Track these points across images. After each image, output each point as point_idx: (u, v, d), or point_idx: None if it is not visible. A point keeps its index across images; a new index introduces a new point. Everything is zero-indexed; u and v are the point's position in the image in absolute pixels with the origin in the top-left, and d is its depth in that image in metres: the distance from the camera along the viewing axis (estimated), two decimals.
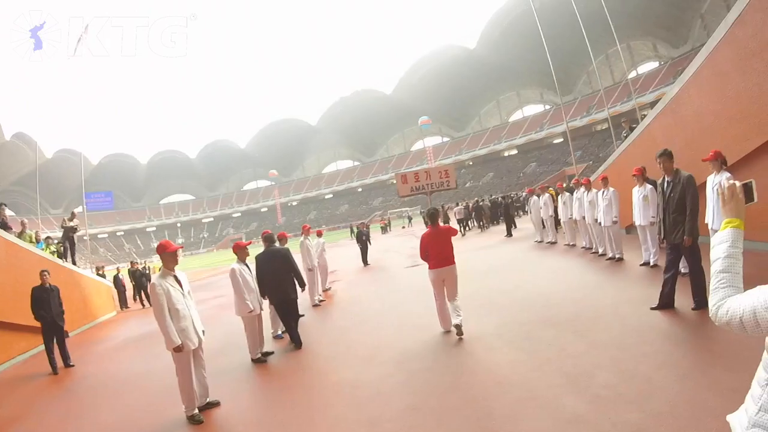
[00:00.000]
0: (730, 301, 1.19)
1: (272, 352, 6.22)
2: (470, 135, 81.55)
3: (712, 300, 1.25)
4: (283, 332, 7.11)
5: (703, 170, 6.27)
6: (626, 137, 10.80)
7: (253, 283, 6.02)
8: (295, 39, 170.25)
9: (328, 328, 7.33)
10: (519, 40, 62.18)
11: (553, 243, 12.05)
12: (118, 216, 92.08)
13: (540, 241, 12.80)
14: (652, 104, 46.36)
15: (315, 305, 9.10)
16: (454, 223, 22.48)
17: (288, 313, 6.41)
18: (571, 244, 11.11)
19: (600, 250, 9.22)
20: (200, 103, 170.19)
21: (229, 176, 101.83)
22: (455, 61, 70.88)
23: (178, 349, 4.27)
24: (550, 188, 13.58)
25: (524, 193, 32.78)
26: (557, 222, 13.01)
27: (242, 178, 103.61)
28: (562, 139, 66.79)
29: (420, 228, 32.47)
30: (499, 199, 22.58)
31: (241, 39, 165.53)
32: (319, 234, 10.99)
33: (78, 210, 17.74)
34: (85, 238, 29.20)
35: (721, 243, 1.30)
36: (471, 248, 14.52)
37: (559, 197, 11.30)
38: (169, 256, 4.44)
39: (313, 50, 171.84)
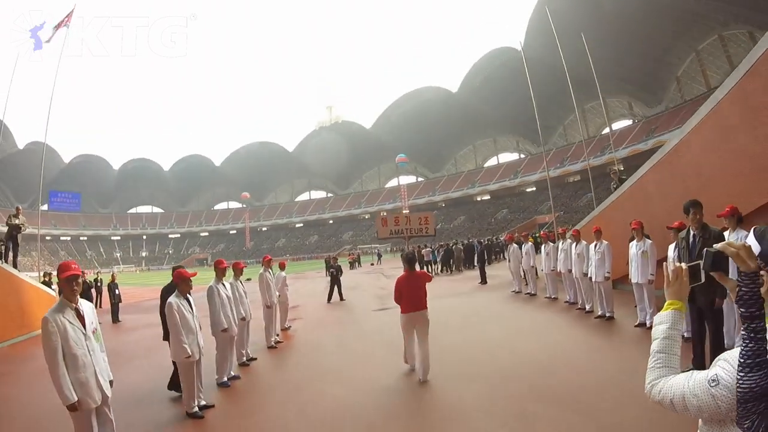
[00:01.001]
0: (664, 382, 1.24)
1: (212, 405, 5.12)
2: (445, 177, 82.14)
3: (648, 378, 1.30)
4: (230, 379, 6.02)
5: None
6: (615, 188, 10.29)
7: (194, 322, 4.99)
8: (279, 63, 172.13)
9: (280, 380, 6.18)
10: (499, 89, 63.80)
11: (533, 295, 11.27)
12: (84, 220, 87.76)
13: (518, 292, 12.00)
14: (625, 160, 47.84)
15: (271, 347, 7.93)
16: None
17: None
18: (552, 297, 10.35)
19: (587, 307, 8.48)
20: (180, 114, 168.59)
21: (201, 193, 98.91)
22: (436, 102, 71.82)
23: (72, 408, 3.27)
24: (531, 236, 12.94)
25: (502, 239, 32.43)
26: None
27: (214, 196, 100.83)
28: (534, 188, 67.95)
29: (389, 266, 31.50)
30: (476, 243, 21.90)
31: (229, 53, 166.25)
32: (282, 266, 9.90)
33: (24, 206, 16.06)
34: (47, 238, 27.17)
35: (662, 323, 1.33)
36: (444, 294, 13.55)
37: (542, 247, 10.62)
38: (66, 282, 3.37)
39: (296, 75, 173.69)
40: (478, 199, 75.56)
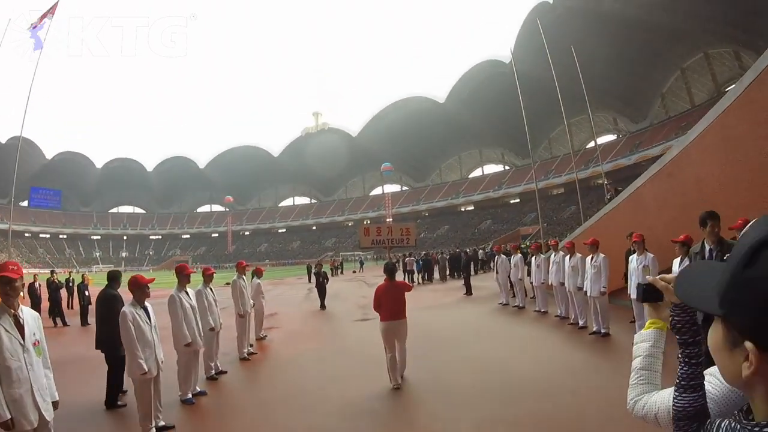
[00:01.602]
0: (647, 398, 1.26)
1: (172, 427, 4.56)
2: (429, 186, 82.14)
3: (631, 394, 1.31)
4: (195, 395, 5.45)
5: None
6: (609, 200, 9.96)
7: (152, 334, 4.47)
8: (269, 68, 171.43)
9: (250, 399, 5.59)
10: (486, 101, 64.10)
11: (521, 308, 10.83)
12: (65, 218, 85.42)
13: (505, 304, 11.54)
14: (609, 173, 48.22)
15: (243, 359, 7.30)
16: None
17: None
18: (542, 310, 9.91)
19: (581, 322, 8.06)
20: (166, 114, 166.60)
21: (184, 195, 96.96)
22: (423, 112, 71.79)
23: (6, 426, 2.82)
24: (519, 248, 12.52)
25: (487, 249, 32.08)
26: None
27: (197, 199, 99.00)
28: (518, 200, 68.32)
29: (371, 274, 30.90)
30: (461, 253, 21.49)
31: (219, 56, 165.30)
32: (258, 273, 9.29)
33: (3, 203, 15.22)
34: (26, 235, 26.20)
35: (644, 341, 1.35)
36: (427, 305, 13.02)
37: (533, 259, 10.19)
38: None
39: (285, 80, 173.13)
40: (462, 209, 75.72)
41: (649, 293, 1.29)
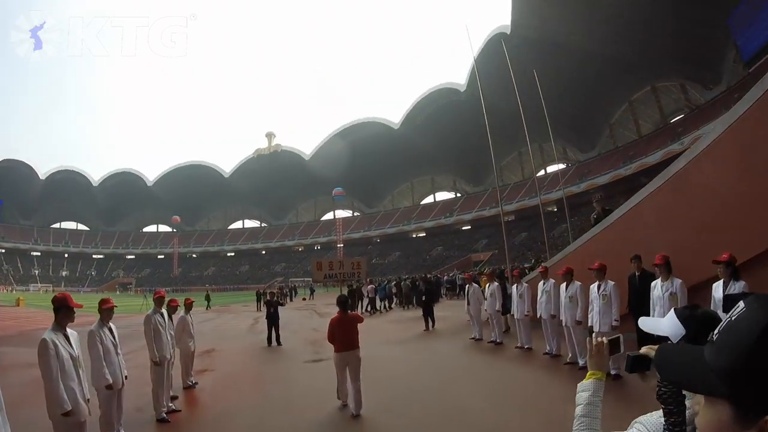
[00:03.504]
0: None
1: None
2: (381, 212, 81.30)
3: None
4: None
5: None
6: (596, 220, 8.95)
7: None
8: (224, 83, 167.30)
9: None
10: (439, 128, 64.62)
11: (498, 343, 9.52)
12: (3, 231, 77.84)
13: (478, 339, 10.19)
14: (557, 201, 49.07)
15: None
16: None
17: None
18: (525, 347, 8.63)
19: (581, 362, 6.73)
20: (115, 125, 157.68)
21: (130, 213, 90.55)
22: (378, 137, 71.27)
23: None
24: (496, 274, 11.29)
25: (451, 275, 30.84)
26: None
27: (143, 217, 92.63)
28: (469, 227, 68.55)
29: (322, 301, 28.95)
30: (420, 282, 20.29)
31: (174, 66, 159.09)
32: (188, 305, 7.48)
33: None
34: None
35: (585, 391, 1.46)
36: (389, 339, 11.47)
37: (514, 288, 8.92)
38: None
39: (238, 98, 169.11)
40: (414, 236, 75.23)
41: (639, 364, 1.32)
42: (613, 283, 6.23)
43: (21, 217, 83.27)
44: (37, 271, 76.95)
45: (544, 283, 7.87)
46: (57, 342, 3.55)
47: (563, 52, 45.25)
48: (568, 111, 51.45)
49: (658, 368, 0.91)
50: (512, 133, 37.78)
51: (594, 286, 6.38)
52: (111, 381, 4.38)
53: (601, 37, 43.13)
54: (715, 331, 0.81)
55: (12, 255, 77.63)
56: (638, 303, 6.34)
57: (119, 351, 4.64)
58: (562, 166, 52.78)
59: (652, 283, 5.76)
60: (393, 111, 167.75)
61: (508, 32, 45.31)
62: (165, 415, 5.52)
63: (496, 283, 9.91)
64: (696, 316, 1.29)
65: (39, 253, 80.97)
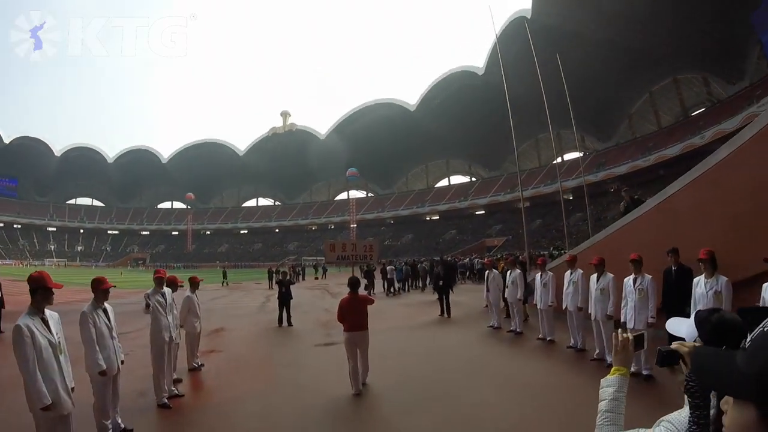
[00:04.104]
0: None
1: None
2: (395, 194, 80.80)
3: None
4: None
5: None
6: (625, 209, 8.41)
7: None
8: (242, 62, 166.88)
9: None
10: (456, 111, 63.50)
11: (518, 333, 9.11)
12: (20, 207, 79.36)
13: (497, 327, 9.80)
14: (573, 190, 48.10)
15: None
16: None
17: None
18: (548, 338, 8.21)
19: (609, 359, 6.31)
20: (131, 102, 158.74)
21: (145, 190, 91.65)
22: (393, 118, 70.38)
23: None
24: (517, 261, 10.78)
25: (468, 259, 30.31)
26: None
27: (158, 194, 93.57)
28: (483, 212, 67.84)
29: (335, 281, 28.79)
30: (438, 266, 19.98)
31: (194, 48, 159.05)
32: (194, 284, 7.16)
33: None
34: None
35: (609, 386, 1.48)
36: (402, 325, 11.07)
37: (537, 276, 8.47)
38: None
39: (256, 76, 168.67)
40: (427, 218, 74.82)
41: (669, 358, 1.32)
42: (650, 277, 5.75)
43: (37, 194, 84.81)
44: (52, 246, 78.63)
45: (571, 273, 7.38)
46: (33, 328, 3.17)
47: (583, 39, 44.01)
48: (587, 99, 50.10)
49: (693, 370, 0.97)
50: (530, 119, 36.87)
51: (629, 279, 5.90)
52: (105, 367, 4.05)
53: (622, 27, 41.83)
54: (748, 339, 0.88)
55: (28, 230, 79.39)
56: (673, 299, 5.87)
57: (114, 334, 4.28)
58: (579, 154, 51.56)
59: (695, 280, 5.28)
60: (409, 93, 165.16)
61: (529, 17, 43.96)
62: (166, 400, 5.22)
63: (518, 270, 9.43)
64: (710, 321, 1.30)
65: (54, 229, 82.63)
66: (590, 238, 9.69)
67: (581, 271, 7.22)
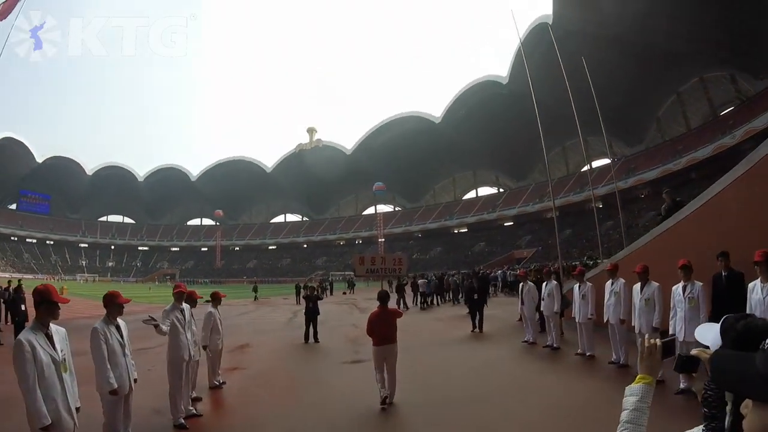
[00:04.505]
0: None
1: None
2: (423, 207, 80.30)
3: None
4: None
5: None
6: (667, 212, 7.88)
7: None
8: (267, 80, 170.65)
9: None
10: (481, 122, 62.85)
11: (555, 348, 8.59)
12: (52, 223, 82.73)
13: (532, 342, 9.29)
14: (603, 198, 46.67)
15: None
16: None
17: None
18: (587, 354, 7.69)
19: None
20: (160, 122, 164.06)
21: (174, 207, 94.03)
22: (418, 131, 70.21)
23: None
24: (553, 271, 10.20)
25: (500, 271, 29.82)
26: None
27: (187, 211, 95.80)
28: (512, 223, 66.75)
29: (362, 296, 28.49)
30: (472, 279, 19.80)
31: (217, 65, 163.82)
32: (215, 299, 6.97)
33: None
34: (13, 239, 25.04)
35: (632, 395, 1.39)
36: (434, 341, 10.66)
37: (576, 287, 7.96)
38: None
39: (283, 93, 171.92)
40: (456, 231, 74.07)
41: (688, 364, 1.34)
42: (701, 284, 5.27)
43: (69, 211, 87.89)
44: (84, 262, 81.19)
45: (612, 283, 6.88)
46: (35, 343, 2.96)
47: (606, 43, 42.97)
48: (613, 104, 48.94)
49: (711, 371, 0.94)
50: (556, 127, 36.03)
51: (678, 288, 5.41)
52: (116, 386, 3.84)
53: (645, 28, 40.79)
54: (767, 342, 0.86)
55: (60, 246, 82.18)
56: (723, 307, 5.34)
57: (127, 351, 4.08)
58: (607, 160, 50.24)
59: (750, 285, 4.78)
60: (433, 105, 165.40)
61: (550, 23, 43.39)
62: (183, 420, 4.98)
63: (554, 282, 8.92)
64: (735, 328, 1.24)
65: (86, 245, 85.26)
66: (630, 245, 9.12)
67: (623, 281, 6.73)
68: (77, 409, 3.20)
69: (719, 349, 1.17)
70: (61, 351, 3.12)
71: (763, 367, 0.74)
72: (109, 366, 3.84)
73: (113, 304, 4.02)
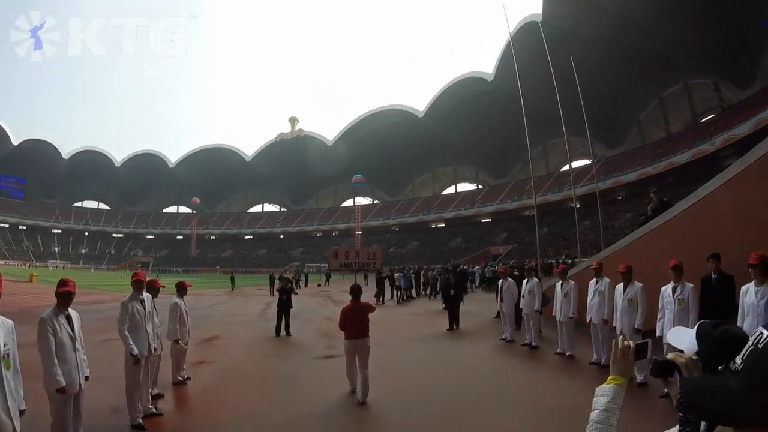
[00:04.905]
0: None
1: None
2: (401, 201, 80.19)
3: None
4: None
5: None
6: (653, 211, 7.77)
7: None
8: (250, 67, 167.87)
9: None
10: (464, 118, 62.88)
11: (533, 347, 8.43)
12: (26, 208, 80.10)
13: (509, 340, 9.13)
14: (581, 198, 47.26)
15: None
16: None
17: None
18: (567, 353, 7.54)
19: (640, 378, 5.59)
20: (141, 106, 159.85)
21: (151, 194, 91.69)
22: (401, 125, 69.89)
23: None
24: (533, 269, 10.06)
25: (478, 267, 29.55)
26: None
27: (164, 199, 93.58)
28: (490, 219, 67.14)
29: (337, 288, 28.12)
30: (449, 275, 19.41)
31: (202, 52, 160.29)
32: (181, 289, 6.57)
33: None
34: None
35: (603, 396, 1.37)
36: (410, 336, 10.48)
37: (558, 285, 7.78)
38: None
39: (265, 81, 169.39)
40: (433, 226, 74.08)
41: (663, 369, 1.31)
42: (691, 285, 5.13)
43: (44, 196, 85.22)
44: (56, 248, 78.97)
45: (597, 282, 6.71)
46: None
47: (593, 44, 43.27)
48: (596, 105, 49.50)
49: (682, 395, 0.94)
50: (539, 126, 36.18)
51: (668, 289, 5.26)
52: (64, 383, 3.46)
53: (633, 32, 41.17)
54: (739, 361, 0.83)
55: (33, 232, 79.77)
56: (713, 310, 5.21)
57: (78, 346, 3.68)
58: (587, 161, 50.85)
59: (743, 288, 4.64)
60: (417, 99, 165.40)
61: (540, 21, 43.48)
62: (141, 420, 4.57)
63: (536, 279, 8.77)
64: (713, 335, 1.21)
65: (60, 231, 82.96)
66: (614, 244, 9.02)
67: (608, 280, 6.57)
68: (21, 412, 2.82)
69: (686, 377, 1.16)
70: (5, 345, 2.75)
71: (751, 392, 0.71)
72: (56, 361, 3.46)
73: (60, 293, 3.62)
